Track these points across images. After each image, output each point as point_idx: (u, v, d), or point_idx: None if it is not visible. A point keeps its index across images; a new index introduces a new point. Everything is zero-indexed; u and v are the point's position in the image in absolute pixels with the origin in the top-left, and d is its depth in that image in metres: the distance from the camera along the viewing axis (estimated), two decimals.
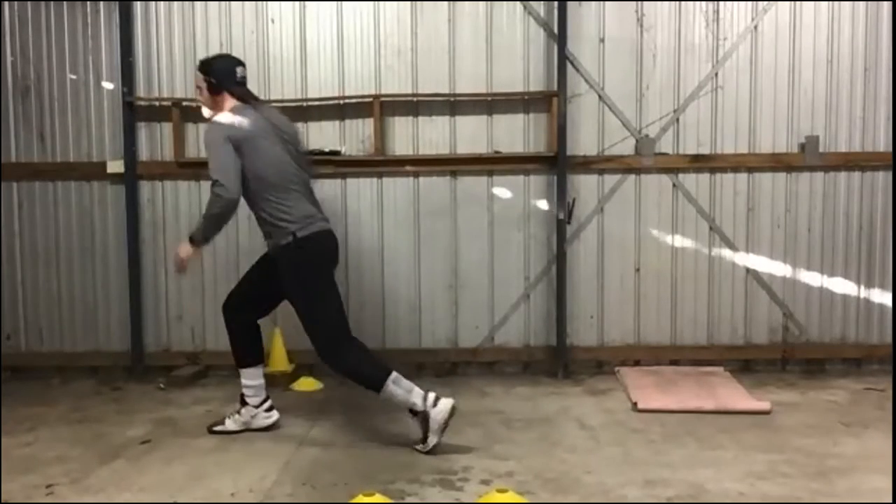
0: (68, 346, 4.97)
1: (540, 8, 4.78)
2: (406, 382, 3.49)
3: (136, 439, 3.75)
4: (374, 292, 4.91)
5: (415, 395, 3.46)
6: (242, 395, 3.82)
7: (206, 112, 3.77)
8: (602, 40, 4.80)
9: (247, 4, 4.80)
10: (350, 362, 3.54)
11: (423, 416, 3.46)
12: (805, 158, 4.79)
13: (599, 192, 4.85)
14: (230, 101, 3.65)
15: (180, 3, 4.80)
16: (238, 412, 3.82)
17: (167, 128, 4.83)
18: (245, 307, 3.79)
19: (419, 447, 3.47)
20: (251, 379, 3.79)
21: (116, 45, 4.78)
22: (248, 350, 3.80)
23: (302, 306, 3.56)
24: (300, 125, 4.83)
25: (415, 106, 4.84)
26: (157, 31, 4.82)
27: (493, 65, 4.80)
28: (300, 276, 3.54)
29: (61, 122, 4.87)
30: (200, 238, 3.60)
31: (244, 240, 4.87)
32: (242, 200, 3.56)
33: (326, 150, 4.79)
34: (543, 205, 4.84)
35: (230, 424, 3.81)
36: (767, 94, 4.79)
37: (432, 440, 3.44)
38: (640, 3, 4.76)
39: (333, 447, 3.61)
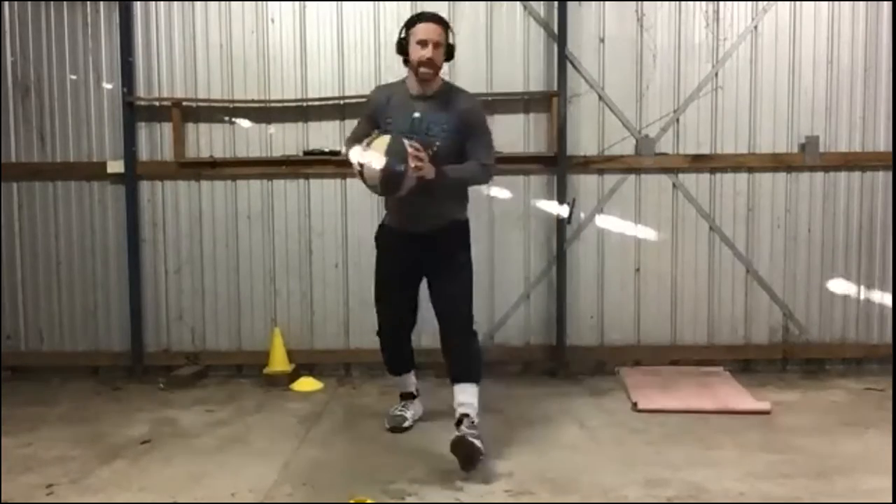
0: (68, 346, 4.96)
1: (540, 8, 4.78)
2: None
3: (136, 439, 3.75)
4: None
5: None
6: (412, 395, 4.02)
7: (424, 72, 3.36)
8: (602, 40, 4.79)
9: (247, 4, 4.80)
10: (478, 341, 3.66)
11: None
12: (805, 158, 4.78)
13: (599, 192, 4.85)
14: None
15: (180, 3, 4.79)
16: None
17: (167, 128, 4.82)
18: (412, 317, 3.85)
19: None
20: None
21: (116, 45, 4.77)
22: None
23: (467, 278, 3.62)
24: (300, 125, 4.85)
25: None
26: (157, 31, 4.81)
27: (493, 65, 4.79)
28: (469, 250, 3.65)
29: (61, 122, 4.87)
30: (448, 177, 3.43)
31: (244, 241, 4.88)
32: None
33: (326, 150, 4.78)
34: (543, 205, 4.83)
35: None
36: (767, 94, 4.78)
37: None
38: (640, 3, 4.76)
39: (333, 447, 3.61)
